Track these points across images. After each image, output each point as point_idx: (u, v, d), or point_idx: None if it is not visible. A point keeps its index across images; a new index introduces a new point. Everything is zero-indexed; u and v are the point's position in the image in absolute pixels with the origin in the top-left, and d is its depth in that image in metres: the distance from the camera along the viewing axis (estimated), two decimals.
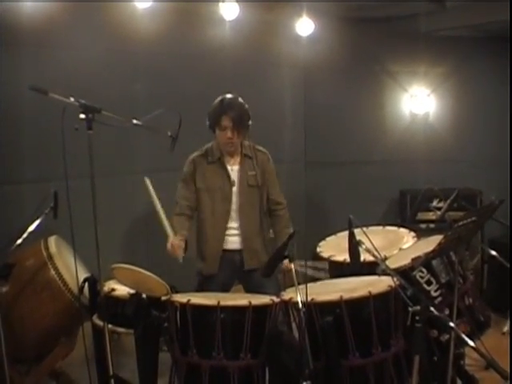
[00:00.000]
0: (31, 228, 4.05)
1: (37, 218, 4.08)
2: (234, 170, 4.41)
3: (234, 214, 4.39)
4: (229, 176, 4.39)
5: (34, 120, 4.95)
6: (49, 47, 5.11)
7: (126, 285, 3.80)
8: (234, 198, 4.38)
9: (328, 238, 4.86)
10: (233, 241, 4.42)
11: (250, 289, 4.42)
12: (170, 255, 4.20)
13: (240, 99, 4.36)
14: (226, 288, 4.44)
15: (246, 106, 4.35)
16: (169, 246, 4.21)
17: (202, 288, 4.34)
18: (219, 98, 4.33)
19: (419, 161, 6.99)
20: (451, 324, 3.20)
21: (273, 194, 4.51)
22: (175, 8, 5.63)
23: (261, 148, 4.53)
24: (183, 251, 4.22)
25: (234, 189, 4.38)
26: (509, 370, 3.56)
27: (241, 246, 4.41)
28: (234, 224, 4.40)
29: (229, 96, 4.34)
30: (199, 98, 5.93)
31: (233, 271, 4.43)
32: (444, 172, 6.91)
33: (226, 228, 4.40)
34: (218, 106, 4.28)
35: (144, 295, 3.70)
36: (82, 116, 3.43)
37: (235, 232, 4.41)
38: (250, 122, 4.35)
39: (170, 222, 4.34)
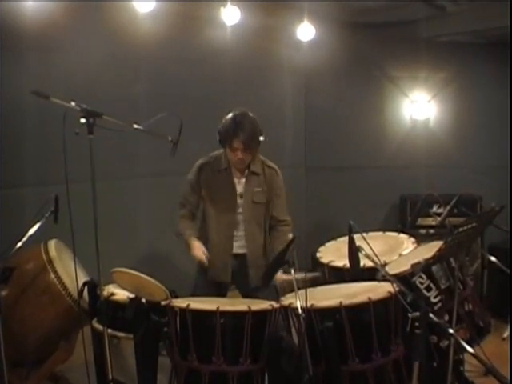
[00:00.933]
0: (31, 231, 4.04)
1: (37, 222, 4.07)
2: (240, 183, 4.39)
3: (238, 224, 4.38)
4: (234, 188, 4.37)
5: (35, 124, 4.95)
6: (50, 51, 5.11)
7: (125, 289, 3.80)
8: (239, 210, 4.37)
9: (328, 244, 4.86)
10: (234, 246, 4.42)
11: (246, 292, 4.44)
12: (198, 260, 4.28)
13: (251, 115, 4.25)
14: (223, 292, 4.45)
15: (257, 122, 4.25)
16: (194, 252, 4.28)
17: (205, 291, 4.33)
18: (230, 116, 4.22)
19: (420, 166, 6.99)
20: (450, 330, 3.20)
21: (276, 210, 4.45)
22: (176, 12, 5.64)
23: (270, 164, 4.47)
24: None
25: (240, 201, 4.37)
26: (509, 376, 3.58)
27: (242, 251, 4.41)
28: (238, 233, 4.40)
29: (240, 114, 4.22)
30: (200, 102, 5.97)
31: (243, 276, 4.43)
32: (444, 178, 6.91)
33: (232, 237, 4.39)
34: (230, 127, 4.16)
35: (143, 300, 3.69)
36: (83, 120, 3.43)
37: (239, 240, 4.41)
38: (262, 138, 4.26)
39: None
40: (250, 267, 4.39)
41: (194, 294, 4.23)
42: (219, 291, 4.40)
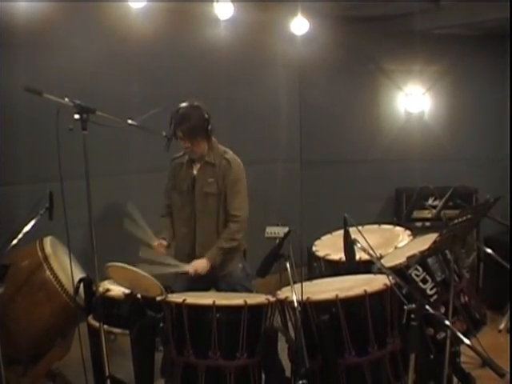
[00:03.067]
0: (26, 229, 4.05)
1: (32, 219, 4.08)
2: (196, 174, 4.44)
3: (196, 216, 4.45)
4: (193, 180, 4.42)
5: (29, 120, 4.93)
6: (43, 48, 5.09)
7: (120, 284, 3.80)
8: (196, 204, 4.43)
9: (323, 237, 4.86)
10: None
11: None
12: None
13: (194, 106, 4.32)
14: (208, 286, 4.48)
15: (203, 113, 4.31)
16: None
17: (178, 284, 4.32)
18: (177, 108, 4.30)
19: (414, 159, 7.00)
20: (447, 322, 3.20)
21: (229, 203, 4.41)
22: (169, 8, 5.62)
23: (229, 155, 4.44)
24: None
25: (194, 193, 4.43)
26: (509, 368, 3.59)
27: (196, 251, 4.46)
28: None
29: (183, 106, 4.31)
30: (194, 97, 5.94)
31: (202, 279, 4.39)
32: (439, 170, 6.93)
33: (194, 228, 4.45)
34: (173, 117, 4.25)
35: (139, 295, 3.69)
36: (77, 116, 3.43)
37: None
38: (210, 127, 4.32)
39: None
40: (197, 257, 4.39)
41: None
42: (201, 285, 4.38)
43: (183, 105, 4.31)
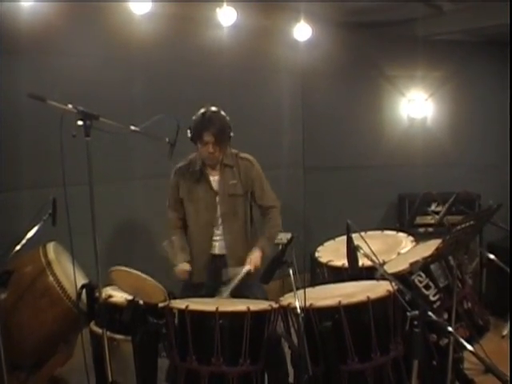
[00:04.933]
0: (30, 234, 4.06)
1: (35, 225, 4.08)
2: (215, 180, 4.43)
3: (218, 222, 4.44)
4: (211, 186, 4.41)
5: (33, 127, 4.95)
6: (47, 54, 5.11)
7: (123, 289, 3.80)
8: (217, 208, 4.42)
9: (326, 243, 4.86)
10: (217, 246, 4.48)
11: (235, 293, 4.44)
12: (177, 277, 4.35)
13: (222, 112, 4.35)
14: (211, 294, 4.43)
15: (228, 118, 4.34)
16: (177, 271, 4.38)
17: (186, 293, 4.31)
18: (201, 112, 4.31)
19: (417, 165, 7.00)
20: (450, 328, 3.20)
21: (262, 198, 4.50)
22: (172, 14, 5.64)
23: (244, 155, 4.50)
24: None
25: (217, 198, 4.42)
26: (509, 374, 3.57)
27: (225, 251, 4.46)
28: (218, 231, 4.46)
29: (211, 109, 4.32)
30: (197, 103, 5.94)
31: (217, 277, 4.43)
32: (442, 176, 6.93)
33: (212, 236, 4.45)
34: (200, 121, 4.26)
35: (141, 302, 3.69)
36: (80, 123, 3.43)
37: (219, 238, 4.47)
38: (232, 134, 4.35)
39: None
40: (228, 257, 4.44)
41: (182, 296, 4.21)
42: (208, 294, 4.40)
43: (210, 109, 4.31)
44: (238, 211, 4.43)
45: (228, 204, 4.41)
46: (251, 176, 4.45)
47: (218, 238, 4.46)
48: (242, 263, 4.38)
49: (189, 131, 4.29)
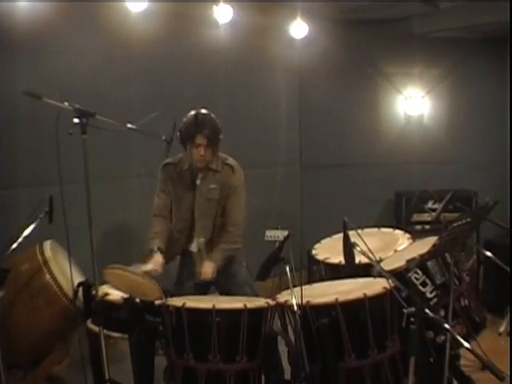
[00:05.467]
0: (26, 233, 4.05)
1: (32, 223, 4.08)
2: (198, 182, 4.41)
3: (193, 222, 4.43)
4: (194, 188, 4.40)
5: (29, 125, 4.93)
6: (44, 52, 5.09)
7: (118, 288, 3.80)
8: (194, 209, 4.41)
9: (323, 241, 4.86)
10: (192, 245, 4.49)
11: (223, 290, 4.49)
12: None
13: (212, 115, 4.31)
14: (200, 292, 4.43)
15: (218, 121, 4.31)
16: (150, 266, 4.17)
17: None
18: (192, 114, 4.27)
19: (414, 162, 7.01)
20: (446, 326, 3.21)
21: (230, 209, 4.43)
22: (169, 11, 5.62)
23: (230, 161, 4.45)
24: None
25: (196, 201, 4.41)
26: (508, 371, 3.58)
27: (195, 250, 4.46)
28: (193, 232, 4.45)
29: (202, 112, 4.29)
30: (194, 101, 5.93)
31: (188, 275, 4.44)
32: (439, 174, 6.94)
33: (187, 235, 4.46)
34: (192, 124, 4.22)
35: (137, 299, 3.69)
36: (76, 120, 3.43)
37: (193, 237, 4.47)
38: (221, 137, 4.32)
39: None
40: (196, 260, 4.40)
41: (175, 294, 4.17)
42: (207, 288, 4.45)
43: (201, 112, 4.28)
44: (211, 215, 4.39)
45: (203, 207, 4.39)
46: (229, 182, 4.38)
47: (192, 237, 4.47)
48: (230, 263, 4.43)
49: (179, 133, 4.25)
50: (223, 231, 4.41)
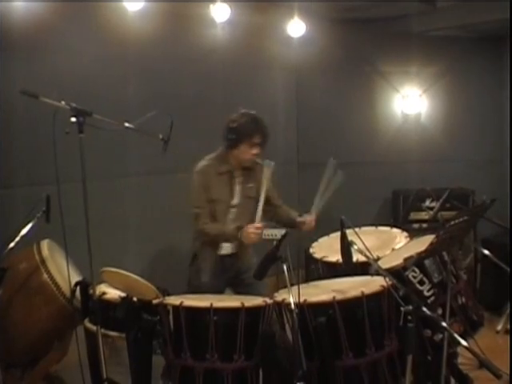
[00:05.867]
0: (23, 232, 4.05)
1: (29, 222, 4.07)
2: (238, 181, 4.46)
3: (232, 222, 4.41)
4: (234, 188, 4.44)
5: (26, 124, 4.93)
6: (41, 51, 5.08)
7: (116, 288, 3.80)
8: (235, 209, 4.43)
9: (320, 239, 4.87)
10: (226, 246, 4.48)
11: (240, 290, 4.48)
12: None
13: None
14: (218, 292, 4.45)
15: None
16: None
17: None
18: (248, 113, 4.36)
19: (411, 161, 7.01)
20: (443, 324, 3.21)
21: (274, 197, 4.60)
22: (166, 10, 5.62)
23: (258, 160, 4.49)
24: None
25: (235, 200, 4.44)
26: (506, 369, 3.59)
27: (234, 250, 4.48)
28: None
29: (254, 113, 4.38)
30: (191, 100, 5.95)
31: (224, 276, 4.49)
32: (436, 172, 6.94)
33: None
34: (252, 123, 4.32)
35: (135, 298, 3.69)
36: (73, 119, 3.42)
37: None
38: None
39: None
40: (237, 255, 4.50)
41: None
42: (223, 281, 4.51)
43: (252, 112, 4.38)
44: (251, 213, 4.40)
45: (244, 206, 4.44)
46: (262, 181, 4.38)
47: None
48: (249, 263, 4.48)
49: (230, 131, 4.31)
50: (277, 210, 4.63)
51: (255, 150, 4.34)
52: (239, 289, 4.51)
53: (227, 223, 4.40)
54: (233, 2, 5.66)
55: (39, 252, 4.18)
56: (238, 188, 4.46)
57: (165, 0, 5.54)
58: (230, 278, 4.53)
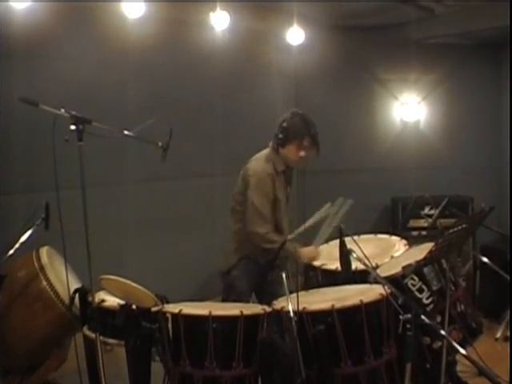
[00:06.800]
0: (23, 239, 4.05)
1: (28, 229, 4.07)
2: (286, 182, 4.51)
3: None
4: (286, 190, 4.49)
5: (25, 131, 4.93)
6: (41, 57, 5.10)
7: (115, 295, 3.80)
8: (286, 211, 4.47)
9: (320, 247, 4.86)
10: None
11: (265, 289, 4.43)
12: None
13: None
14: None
15: None
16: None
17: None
18: (300, 114, 4.38)
19: (410, 168, 7.02)
20: (443, 332, 3.21)
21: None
22: (166, 18, 5.64)
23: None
24: None
25: (283, 202, 4.46)
26: (506, 377, 3.59)
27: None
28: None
29: (304, 114, 4.40)
30: (191, 106, 5.96)
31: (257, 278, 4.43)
32: (435, 179, 6.95)
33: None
34: (305, 125, 4.33)
35: (134, 306, 3.69)
36: (73, 127, 3.43)
37: None
38: None
39: None
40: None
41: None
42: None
43: (302, 113, 4.41)
44: (286, 215, 4.45)
45: (287, 208, 4.48)
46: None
47: None
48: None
49: (280, 131, 4.34)
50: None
51: (302, 153, 4.32)
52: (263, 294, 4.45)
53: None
54: (232, 10, 5.67)
55: (38, 259, 4.17)
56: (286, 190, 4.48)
57: (165, 5, 5.55)
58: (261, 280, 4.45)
